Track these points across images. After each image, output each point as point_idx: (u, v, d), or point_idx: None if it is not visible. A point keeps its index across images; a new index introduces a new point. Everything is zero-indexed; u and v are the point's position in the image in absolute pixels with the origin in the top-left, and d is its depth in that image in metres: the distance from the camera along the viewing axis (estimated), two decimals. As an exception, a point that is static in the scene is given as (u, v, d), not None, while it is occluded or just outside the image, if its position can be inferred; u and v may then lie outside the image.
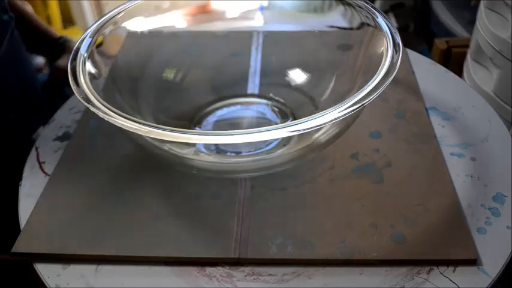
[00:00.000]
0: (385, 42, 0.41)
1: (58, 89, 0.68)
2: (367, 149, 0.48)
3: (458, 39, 0.98)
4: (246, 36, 0.58)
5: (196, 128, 0.51)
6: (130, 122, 0.35)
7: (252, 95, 0.55)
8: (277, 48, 0.57)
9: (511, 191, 0.44)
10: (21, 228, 0.42)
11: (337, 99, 0.40)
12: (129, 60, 0.50)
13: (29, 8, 0.74)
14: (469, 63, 0.79)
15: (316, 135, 0.41)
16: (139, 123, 0.35)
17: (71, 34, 0.74)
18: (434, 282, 0.37)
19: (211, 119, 0.52)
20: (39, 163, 0.49)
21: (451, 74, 0.59)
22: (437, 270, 0.38)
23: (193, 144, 0.45)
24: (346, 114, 0.35)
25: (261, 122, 0.52)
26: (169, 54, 0.55)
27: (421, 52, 0.64)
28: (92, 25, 0.46)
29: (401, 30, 1.28)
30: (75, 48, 0.43)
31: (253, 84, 0.55)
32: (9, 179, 0.50)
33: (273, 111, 0.53)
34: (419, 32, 1.32)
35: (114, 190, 0.45)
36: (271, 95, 0.54)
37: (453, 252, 0.39)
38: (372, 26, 0.45)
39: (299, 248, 0.40)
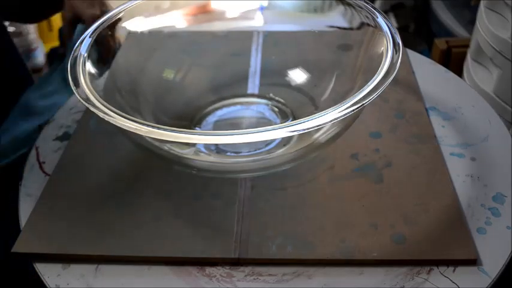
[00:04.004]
0: (385, 42, 0.41)
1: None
2: (367, 149, 0.48)
3: (458, 39, 0.98)
4: (246, 36, 0.58)
5: (196, 128, 0.51)
6: (130, 122, 0.35)
7: (252, 95, 0.55)
8: (277, 48, 0.57)
9: (511, 191, 0.44)
10: (21, 228, 0.42)
11: (337, 99, 0.40)
12: (129, 60, 0.50)
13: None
14: (469, 63, 0.79)
15: (316, 135, 0.41)
16: (139, 123, 0.35)
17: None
18: (434, 282, 0.37)
19: (211, 119, 0.52)
20: (39, 163, 0.49)
21: (451, 74, 0.59)
22: (437, 270, 0.38)
23: (193, 144, 0.45)
24: (346, 114, 0.35)
25: (261, 122, 0.52)
26: (169, 54, 0.54)
27: (421, 52, 0.64)
28: (92, 25, 0.46)
29: (401, 30, 1.28)
30: (75, 48, 0.43)
31: (253, 84, 0.55)
32: (9, 179, 0.50)
33: (273, 111, 0.53)
34: (419, 32, 1.32)
35: (114, 190, 0.45)
36: (271, 95, 0.54)
37: (453, 252, 0.39)
38: (372, 26, 0.45)
39: (299, 248, 0.40)
